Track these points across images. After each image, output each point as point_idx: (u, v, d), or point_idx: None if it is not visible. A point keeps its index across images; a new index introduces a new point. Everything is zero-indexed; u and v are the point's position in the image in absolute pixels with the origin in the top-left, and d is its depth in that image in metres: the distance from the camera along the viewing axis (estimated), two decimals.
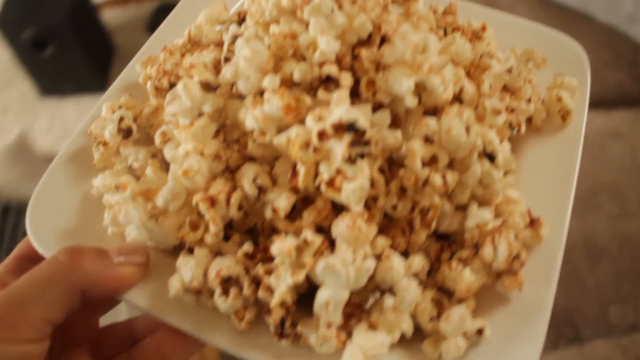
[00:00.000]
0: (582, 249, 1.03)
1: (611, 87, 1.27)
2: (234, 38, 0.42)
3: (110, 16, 2.17)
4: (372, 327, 0.36)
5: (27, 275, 0.35)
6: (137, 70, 0.47)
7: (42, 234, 0.41)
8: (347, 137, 0.34)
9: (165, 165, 0.42)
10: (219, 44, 0.45)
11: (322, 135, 0.34)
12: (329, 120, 0.34)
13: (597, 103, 1.20)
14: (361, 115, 0.34)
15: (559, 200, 0.42)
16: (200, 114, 0.39)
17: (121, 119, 0.43)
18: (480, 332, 0.36)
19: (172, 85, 0.44)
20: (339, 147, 0.34)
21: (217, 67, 0.41)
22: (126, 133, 0.44)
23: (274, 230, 0.40)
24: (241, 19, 0.46)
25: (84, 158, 0.44)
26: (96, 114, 0.45)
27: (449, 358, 0.36)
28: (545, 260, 0.40)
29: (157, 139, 0.41)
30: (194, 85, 0.38)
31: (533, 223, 0.40)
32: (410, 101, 0.37)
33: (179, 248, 0.40)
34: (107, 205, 0.41)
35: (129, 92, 0.47)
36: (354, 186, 0.34)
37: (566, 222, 0.41)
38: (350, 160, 0.34)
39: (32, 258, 0.40)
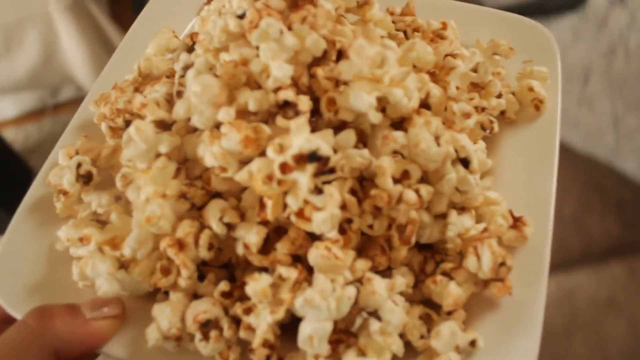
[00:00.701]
0: None
1: (598, 238, 1.15)
2: (185, 69, 0.42)
3: (21, 136, 1.88)
4: (361, 352, 0.37)
5: (5, 347, 0.36)
6: (90, 109, 0.47)
7: (11, 293, 0.41)
8: (310, 168, 0.34)
9: (131, 208, 0.42)
10: (172, 75, 0.45)
11: (284, 167, 0.34)
12: (289, 151, 0.34)
13: (584, 259, 1.10)
14: (322, 142, 0.34)
15: (541, 195, 0.42)
16: (158, 155, 0.39)
17: (79, 165, 0.43)
18: (473, 343, 0.37)
19: (127, 123, 0.44)
20: (304, 178, 0.34)
21: (170, 102, 0.42)
22: (86, 178, 0.44)
23: (250, 263, 0.40)
24: (192, 45, 0.46)
25: (47, 207, 0.45)
26: (53, 160, 0.46)
27: None
28: (532, 260, 0.40)
29: (118, 183, 0.42)
30: (147, 127, 0.38)
31: (516, 223, 0.40)
32: (374, 117, 0.37)
33: (155, 292, 0.41)
34: (75, 258, 0.41)
35: (85, 133, 0.47)
36: (324, 216, 0.35)
37: (550, 217, 0.42)
38: (317, 190, 0.34)
39: (5, 319, 0.41)
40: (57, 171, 0.43)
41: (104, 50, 1.55)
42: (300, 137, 0.35)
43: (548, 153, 0.44)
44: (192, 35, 0.50)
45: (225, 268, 0.42)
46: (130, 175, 0.41)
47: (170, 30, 0.48)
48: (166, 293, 0.40)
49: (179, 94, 0.40)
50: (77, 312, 0.37)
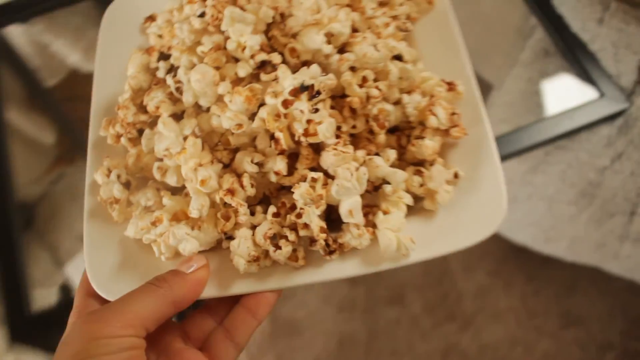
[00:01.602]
0: None
1: None
2: (169, 72, 0.56)
3: None
4: (385, 212, 0.53)
5: (127, 294, 0.49)
6: (101, 134, 0.59)
7: (99, 279, 0.54)
8: (305, 96, 0.49)
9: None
10: (157, 82, 0.58)
11: (286, 103, 0.50)
12: (285, 91, 0.49)
13: None
14: (304, 76, 0.50)
15: (457, 60, 0.59)
16: (185, 137, 0.53)
17: (118, 176, 0.56)
18: (456, 175, 0.53)
19: (140, 131, 0.58)
20: (302, 105, 0.49)
21: (172, 99, 0.56)
22: (126, 185, 0.57)
23: (279, 190, 0.55)
24: (161, 55, 0.59)
25: (102, 216, 0.57)
26: (90, 182, 0.58)
27: (446, 203, 0.53)
28: (471, 106, 0.57)
29: (157, 174, 0.55)
30: (169, 120, 0.53)
31: (450, 86, 0.57)
32: (327, 48, 0.53)
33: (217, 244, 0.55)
34: (150, 241, 0.54)
35: (101, 153, 0.60)
36: (326, 125, 0.50)
37: (471, 74, 0.59)
38: (314, 110, 0.50)
39: (94, 294, 0.53)
40: (104, 187, 0.56)
41: None
42: (288, 78, 0.50)
43: (450, 29, 0.61)
44: (149, 50, 0.63)
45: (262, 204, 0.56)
46: (164, 166, 0.55)
47: (139, 51, 0.61)
48: (228, 238, 0.55)
49: (178, 90, 0.54)
50: (178, 272, 0.51)
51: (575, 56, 0.94)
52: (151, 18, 0.65)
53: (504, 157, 0.87)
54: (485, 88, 1.00)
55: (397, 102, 0.57)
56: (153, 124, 0.58)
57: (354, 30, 0.57)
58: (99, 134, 0.60)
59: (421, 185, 0.54)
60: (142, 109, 0.58)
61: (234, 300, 0.54)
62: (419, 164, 0.55)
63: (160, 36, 0.61)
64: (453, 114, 0.54)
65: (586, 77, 0.92)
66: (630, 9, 1.00)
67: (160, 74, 0.58)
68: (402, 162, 0.56)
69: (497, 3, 1.11)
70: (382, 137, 0.55)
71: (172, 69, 0.57)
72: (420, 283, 1.67)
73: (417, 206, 0.54)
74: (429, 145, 0.54)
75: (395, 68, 0.55)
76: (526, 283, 1.62)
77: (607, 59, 0.97)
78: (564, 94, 0.98)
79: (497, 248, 1.68)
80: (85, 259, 0.55)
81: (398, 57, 0.56)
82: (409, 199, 0.53)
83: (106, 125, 0.59)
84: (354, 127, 0.54)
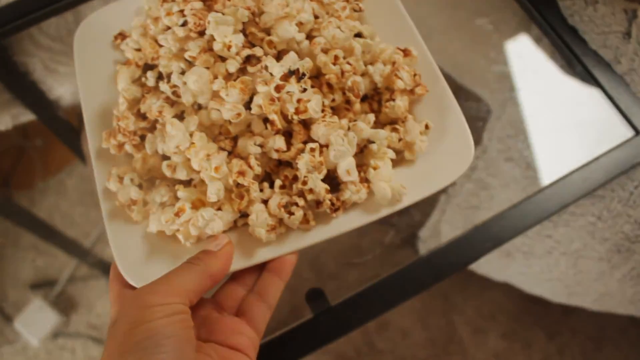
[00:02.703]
0: None
1: None
2: (159, 79, 0.65)
3: None
4: (375, 168, 0.63)
5: (169, 272, 0.57)
6: (103, 146, 0.67)
7: (127, 268, 0.62)
8: (294, 79, 0.59)
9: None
10: (149, 91, 0.67)
11: (278, 87, 0.59)
12: (276, 77, 0.59)
13: None
14: (288, 62, 0.60)
15: (406, 28, 0.71)
16: (191, 134, 0.62)
17: (131, 180, 0.65)
18: (427, 126, 0.65)
19: (142, 137, 0.66)
20: (293, 87, 0.59)
21: (169, 102, 0.64)
22: (139, 187, 0.65)
23: (278, 167, 0.65)
24: (147, 66, 0.68)
25: (120, 216, 0.65)
26: (103, 189, 0.66)
27: (423, 151, 0.64)
28: (427, 68, 0.69)
29: (167, 171, 0.64)
30: (175, 120, 0.61)
31: (406, 52, 0.68)
32: (300, 36, 0.63)
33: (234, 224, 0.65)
34: (174, 231, 0.63)
35: (106, 163, 0.68)
36: (315, 102, 0.60)
37: (419, 38, 0.70)
38: (303, 89, 0.60)
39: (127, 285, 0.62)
40: (120, 192, 0.64)
41: None
42: (276, 67, 0.60)
43: (394, 4, 0.72)
44: (126, 63, 0.71)
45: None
46: (173, 163, 0.64)
47: (124, 65, 0.69)
48: (242, 217, 0.64)
49: (175, 93, 0.63)
50: (209, 251, 0.60)
51: (597, 80, 0.76)
52: (121, 35, 0.73)
53: (521, 231, 0.74)
54: (483, 110, 0.88)
55: (364, 74, 0.68)
56: (152, 128, 0.66)
57: (315, 16, 0.67)
58: (98, 146, 0.68)
59: (399, 140, 0.65)
60: (140, 116, 0.66)
61: (259, 270, 0.64)
62: (393, 123, 0.66)
63: (138, 50, 0.70)
64: (415, 75, 0.66)
65: (614, 106, 0.75)
66: None
67: (150, 82, 0.66)
68: (377, 124, 0.67)
69: (484, 7, 0.93)
70: (358, 105, 0.66)
71: (162, 76, 0.66)
72: (423, 356, 1.54)
73: (398, 158, 0.66)
74: (400, 105, 0.65)
75: (358, 44, 0.66)
76: (547, 341, 1.54)
77: (638, 84, 0.79)
78: (586, 129, 0.82)
79: (510, 302, 1.58)
80: (115, 257, 0.63)
81: (358, 35, 0.66)
82: (392, 153, 0.64)
83: (107, 137, 0.67)
84: (333, 100, 0.65)
